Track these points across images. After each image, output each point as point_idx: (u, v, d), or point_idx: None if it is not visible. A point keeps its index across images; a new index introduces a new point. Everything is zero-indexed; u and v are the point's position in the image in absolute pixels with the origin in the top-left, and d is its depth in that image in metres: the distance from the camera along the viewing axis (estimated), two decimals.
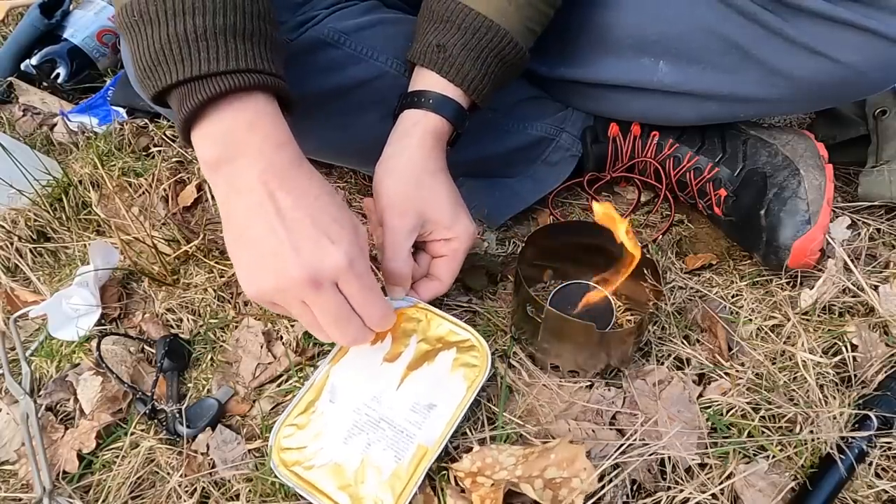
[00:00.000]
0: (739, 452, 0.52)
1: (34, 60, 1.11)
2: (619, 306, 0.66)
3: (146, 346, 0.65)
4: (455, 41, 0.57)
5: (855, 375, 0.57)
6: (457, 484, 0.50)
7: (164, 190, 0.80)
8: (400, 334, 0.57)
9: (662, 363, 0.59)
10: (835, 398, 0.55)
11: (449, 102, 0.58)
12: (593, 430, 0.54)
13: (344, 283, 0.46)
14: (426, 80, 0.58)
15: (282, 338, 0.64)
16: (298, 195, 0.45)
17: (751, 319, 0.63)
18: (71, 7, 1.17)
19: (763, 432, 0.53)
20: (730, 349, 0.61)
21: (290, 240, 0.44)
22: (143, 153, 0.93)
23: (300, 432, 0.53)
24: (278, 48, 0.48)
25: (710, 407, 0.55)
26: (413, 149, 0.57)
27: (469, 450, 0.52)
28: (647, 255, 0.59)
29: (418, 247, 0.60)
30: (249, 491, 0.51)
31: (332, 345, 0.59)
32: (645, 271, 0.59)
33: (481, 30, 0.57)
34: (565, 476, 0.48)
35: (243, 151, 0.44)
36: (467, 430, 0.55)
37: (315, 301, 0.45)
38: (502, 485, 0.47)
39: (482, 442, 0.53)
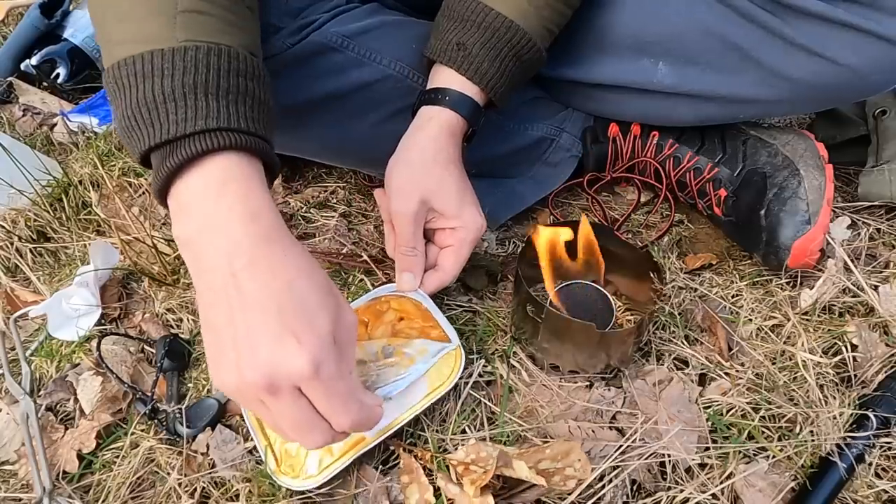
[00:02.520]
0: (739, 452, 0.52)
1: (34, 60, 1.11)
2: (619, 306, 0.66)
3: (146, 346, 0.65)
4: (475, 40, 0.58)
5: (855, 375, 0.57)
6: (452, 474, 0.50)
7: None
8: (388, 320, 0.58)
9: (662, 363, 0.59)
10: (835, 398, 0.55)
11: (466, 100, 0.59)
12: (593, 430, 0.54)
13: (308, 389, 0.38)
14: (445, 77, 0.59)
15: None
16: (267, 279, 0.38)
17: (751, 319, 0.63)
18: (71, 7, 1.17)
19: (763, 432, 0.54)
20: (730, 349, 0.61)
21: (248, 335, 0.37)
22: None
23: None
24: (262, 106, 0.44)
25: (710, 407, 0.55)
26: (425, 140, 0.58)
27: None
28: (650, 256, 0.59)
29: (427, 237, 0.61)
30: (249, 491, 0.51)
31: None
32: (650, 274, 0.59)
33: (501, 29, 0.58)
34: (559, 466, 0.49)
35: (209, 224, 0.39)
36: (466, 429, 0.55)
37: (272, 406, 0.39)
38: (492, 468, 0.47)
39: (481, 440, 0.53)
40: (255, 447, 0.54)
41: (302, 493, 0.50)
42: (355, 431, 0.45)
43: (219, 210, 0.39)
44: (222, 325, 0.38)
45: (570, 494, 0.49)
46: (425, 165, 0.57)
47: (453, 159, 0.59)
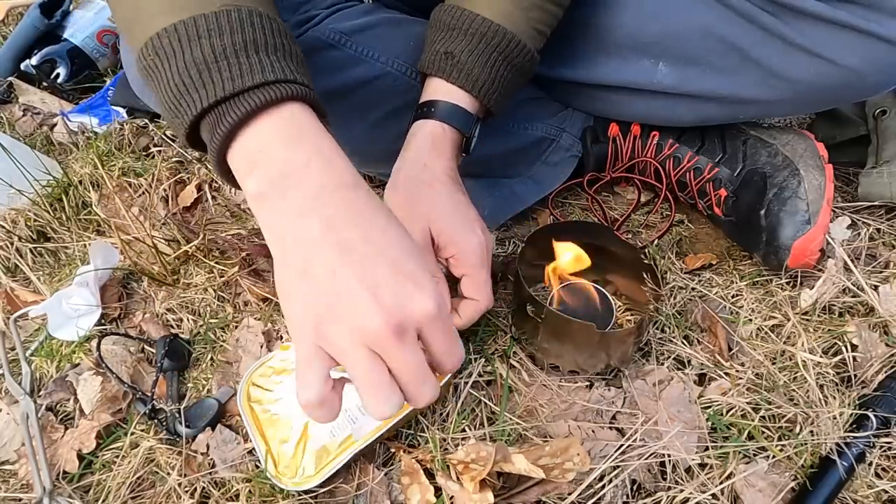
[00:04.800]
0: (739, 452, 0.52)
1: (34, 60, 1.11)
2: (619, 306, 0.66)
3: (146, 346, 0.65)
4: (462, 47, 0.57)
5: (855, 375, 0.57)
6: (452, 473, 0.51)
7: (164, 190, 0.80)
8: None
9: (662, 363, 0.59)
10: (835, 398, 0.55)
11: (456, 110, 0.58)
12: (593, 430, 0.54)
13: (431, 329, 0.38)
14: (435, 88, 0.59)
15: (282, 338, 0.64)
16: (364, 226, 0.38)
17: (751, 319, 0.63)
18: (71, 7, 1.17)
19: (763, 432, 0.54)
20: (730, 349, 0.61)
21: (364, 283, 0.36)
22: (143, 153, 0.93)
23: (274, 376, 0.57)
24: (304, 63, 0.44)
25: (710, 407, 0.55)
26: (410, 160, 0.57)
27: None
28: (647, 260, 0.60)
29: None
30: (249, 491, 0.51)
31: None
32: (645, 275, 0.59)
33: (488, 34, 0.57)
34: (558, 462, 0.49)
35: (289, 171, 0.38)
36: (466, 429, 0.55)
37: (394, 355, 0.37)
38: (490, 462, 0.47)
39: (481, 440, 0.53)
40: (255, 448, 0.54)
41: (302, 493, 0.50)
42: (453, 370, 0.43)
43: (296, 157, 0.38)
44: (326, 276, 0.36)
45: (570, 495, 0.49)
46: (412, 189, 0.56)
47: (438, 176, 0.57)
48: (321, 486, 0.50)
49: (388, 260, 0.37)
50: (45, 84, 1.12)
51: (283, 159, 0.38)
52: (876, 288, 0.64)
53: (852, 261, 0.65)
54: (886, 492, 0.50)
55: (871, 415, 0.53)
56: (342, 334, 0.36)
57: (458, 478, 0.49)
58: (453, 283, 0.57)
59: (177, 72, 0.39)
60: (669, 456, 0.52)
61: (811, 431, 0.53)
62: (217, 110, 0.39)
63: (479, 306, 0.56)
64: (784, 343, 0.60)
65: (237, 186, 0.41)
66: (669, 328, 0.62)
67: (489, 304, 0.56)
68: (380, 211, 0.39)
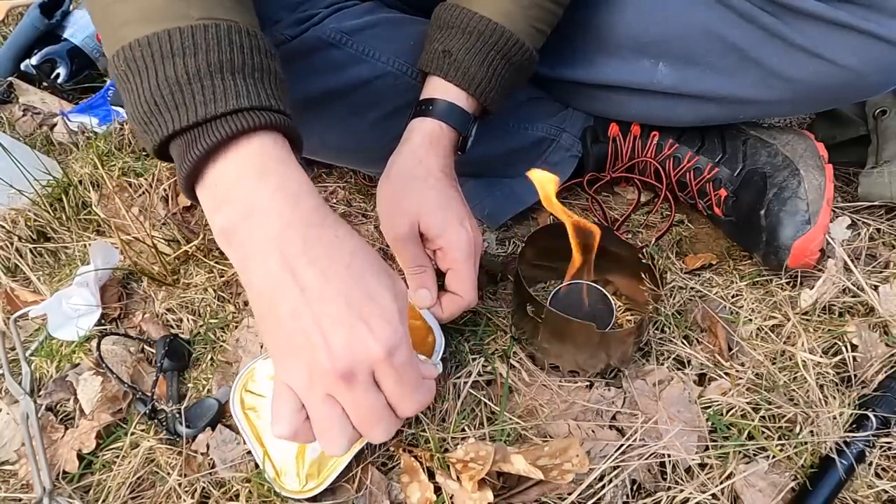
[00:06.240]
0: (739, 452, 0.52)
1: (34, 60, 1.12)
2: (619, 306, 0.66)
3: (146, 346, 0.65)
4: (460, 45, 0.57)
5: (855, 375, 0.57)
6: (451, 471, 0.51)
7: (164, 190, 0.80)
8: None
9: (662, 363, 0.59)
10: (835, 398, 0.55)
11: (452, 108, 0.58)
12: (593, 430, 0.54)
13: (382, 373, 0.38)
14: (433, 87, 0.59)
15: None
16: (326, 264, 0.37)
17: (751, 319, 0.63)
18: (71, 7, 1.17)
19: (763, 432, 0.53)
20: (730, 349, 0.61)
21: (317, 324, 0.36)
22: (143, 153, 0.93)
23: (268, 382, 0.56)
24: (282, 84, 0.42)
25: (710, 407, 0.55)
26: (405, 155, 0.57)
27: None
28: (644, 259, 0.60)
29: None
30: (249, 491, 0.51)
31: None
32: (644, 275, 0.59)
33: (486, 33, 0.57)
34: (557, 462, 0.49)
35: (254, 208, 0.37)
36: (466, 429, 0.55)
37: (343, 398, 0.38)
38: (489, 462, 0.47)
39: (481, 439, 0.53)
40: (253, 454, 0.54)
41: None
42: (415, 414, 0.43)
43: (261, 194, 0.37)
44: (286, 316, 0.37)
45: (570, 495, 0.49)
46: (406, 184, 0.56)
47: (433, 171, 0.56)
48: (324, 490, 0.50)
49: (344, 300, 0.37)
50: (45, 84, 1.12)
51: (249, 197, 0.37)
52: (876, 288, 0.64)
53: (852, 261, 0.65)
54: (886, 492, 0.50)
55: (871, 415, 0.53)
56: (299, 373, 0.38)
57: (457, 477, 0.49)
58: (442, 277, 0.58)
59: (148, 88, 0.38)
60: (669, 456, 0.52)
61: (811, 431, 0.53)
62: (187, 135, 0.38)
63: (461, 302, 0.57)
64: (784, 343, 0.60)
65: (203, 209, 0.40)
66: (669, 328, 0.62)
67: (472, 300, 0.57)
68: (344, 246, 0.38)
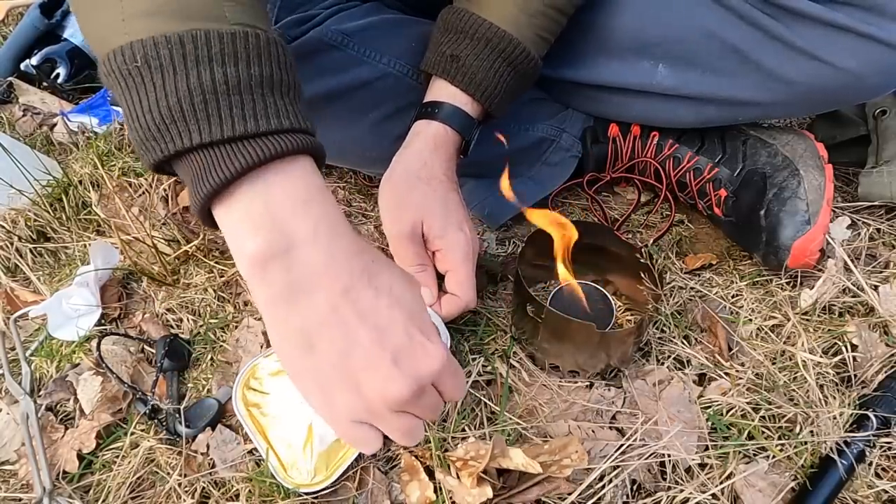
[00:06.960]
0: (739, 452, 0.52)
1: (34, 60, 1.11)
2: (619, 306, 0.66)
3: (146, 346, 0.65)
4: (468, 51, 0.58)
5: (855, 375, 0.57)
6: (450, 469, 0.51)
7: (164, 190, 0.80)
8: None
9: (662, 363, 0.59)
10: (835, 398, 0.55)
11: (458, 112, 0.58)
12: (593, 430, 0.54)
13: (442, 381, 0.39)
14: (439, 90, 0.59)
15: None
16: (374, 294, 0.36)
17: (751, 319, 0.63)
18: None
19: (763, 432, 0.54)
20: (730, 349, 0.61)
21: (384, 350, 0.36)
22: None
23: (270, 377, 0.57)
24: (305, 103, 0.40)
25: (710, 407, 0.55)
26: (410, 156, 0.58)
27: None
28: (643, 259, 0.60)
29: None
30: (249, 491, 0.51)
31: None
32: (644, 275, 0.59)
33: (494, 40, 0.58)
34: (556, 459, 0.49)
35: (296, 239, 0.35)
36: (466, 428, 0.55)
37: (415, 407, 0.38)
38: (488, 458, 0.48)
39: (481, 439, 0.53)
40: (255, 447, 0.54)
41: (303, 493, 0.50)
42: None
43: (306, 225, 0.35)
44: (344, 348, 0.36)
45: (570, 495, 0.49)
46: (409, 183, 0.57)
47: (437, 174, 0.58)
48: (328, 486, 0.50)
49: (401, 327, 0.37)
50: (45, 84, 1.12)
51: (291, 225, 0.35)
52: (876, 288, 0.64)
53: (852, 261, 0.65)
54: (886, 492, 0.50)
55: (871, 415, 0.53)
56: (356, 403, 0.37)
57: (457, 474, 0.49)
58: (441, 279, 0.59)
59: (173, 91, 0.33)
60: (669, 456, 0.52)
61: (811, 431, 0.53)
62: (218, 149, 0.34)
63: (459, 303, 0.58)
64: (784, 343, 0.60)
65: (214, 228, 0.37)
66: (669, 328, 0.62)
67: (470, 301, 0.58)
68: (382, 271, 0.38)
